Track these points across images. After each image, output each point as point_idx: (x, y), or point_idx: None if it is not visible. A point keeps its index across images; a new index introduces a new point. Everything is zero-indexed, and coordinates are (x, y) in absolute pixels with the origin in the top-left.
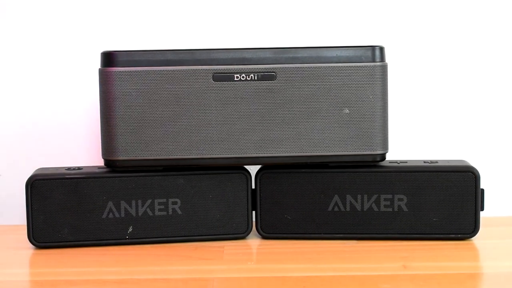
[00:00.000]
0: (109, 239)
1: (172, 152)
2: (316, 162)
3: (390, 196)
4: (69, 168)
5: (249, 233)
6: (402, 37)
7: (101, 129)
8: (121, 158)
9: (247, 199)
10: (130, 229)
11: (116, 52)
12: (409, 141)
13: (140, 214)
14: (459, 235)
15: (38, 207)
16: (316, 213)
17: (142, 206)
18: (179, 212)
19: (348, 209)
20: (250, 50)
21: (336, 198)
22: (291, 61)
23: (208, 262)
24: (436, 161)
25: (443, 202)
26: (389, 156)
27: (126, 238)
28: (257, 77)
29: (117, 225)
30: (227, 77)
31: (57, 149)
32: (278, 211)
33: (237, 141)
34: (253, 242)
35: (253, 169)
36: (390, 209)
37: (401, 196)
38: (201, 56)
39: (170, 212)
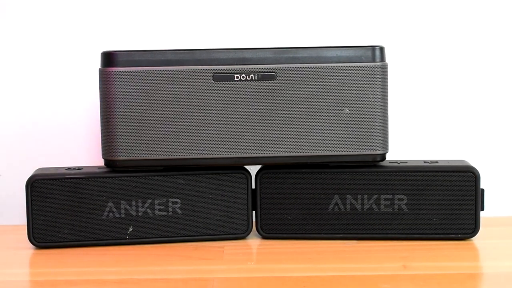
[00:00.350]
0: (109, 239)
1: (172, 152)
2: (316, 162)
3: (390, 196)
4: (69, 168)
5: (249, 233)
6: (402, 37)
7: (101, 129)
8: (121, 158)
9: (247, 199)
10: (130, 229)
11: (116, 52)
12: (409, 141)
13: (140, 214)
14: (459, 235)
15: (38, 207)
16: (316, 213)
17: (142, 206)
18: (179, 212)
19: (348, 209)
20: (250, 50)
21: (336, 198)
22: (291, 61)
23: (208, 262)
24: (436, 161)
25: (443, 202)
26: (389, 156)
27: (126, 238)
28: (257, 77)
29: (117, 225)
30: (227, 77)
31: (57, 149)
32: (278, 211)
33: (237, 141)
34: (253, 242)
35: (253, 169)
36: (390, 209)
37: (401, 196)
38: (201, 56)
39: (170, 212)
